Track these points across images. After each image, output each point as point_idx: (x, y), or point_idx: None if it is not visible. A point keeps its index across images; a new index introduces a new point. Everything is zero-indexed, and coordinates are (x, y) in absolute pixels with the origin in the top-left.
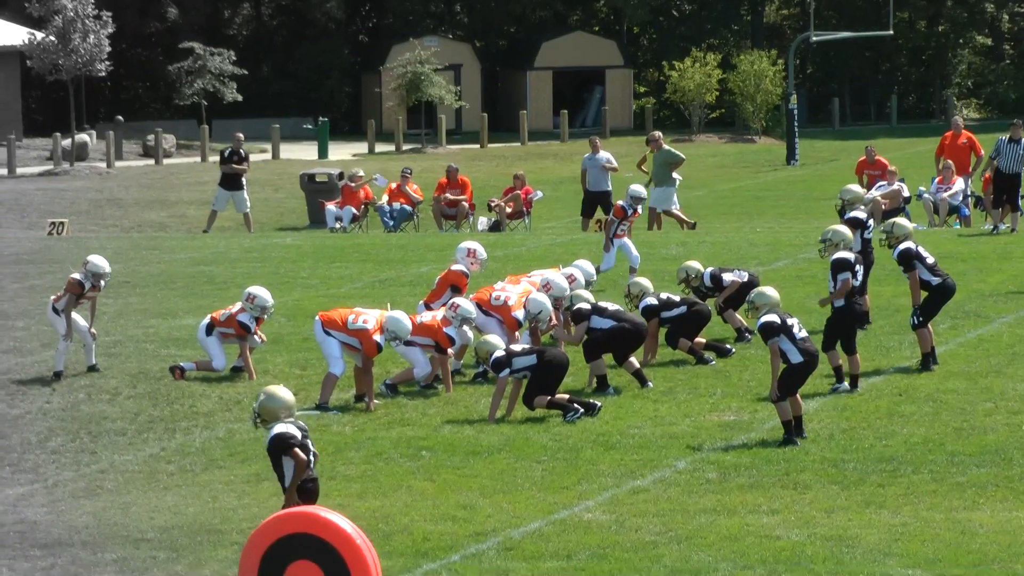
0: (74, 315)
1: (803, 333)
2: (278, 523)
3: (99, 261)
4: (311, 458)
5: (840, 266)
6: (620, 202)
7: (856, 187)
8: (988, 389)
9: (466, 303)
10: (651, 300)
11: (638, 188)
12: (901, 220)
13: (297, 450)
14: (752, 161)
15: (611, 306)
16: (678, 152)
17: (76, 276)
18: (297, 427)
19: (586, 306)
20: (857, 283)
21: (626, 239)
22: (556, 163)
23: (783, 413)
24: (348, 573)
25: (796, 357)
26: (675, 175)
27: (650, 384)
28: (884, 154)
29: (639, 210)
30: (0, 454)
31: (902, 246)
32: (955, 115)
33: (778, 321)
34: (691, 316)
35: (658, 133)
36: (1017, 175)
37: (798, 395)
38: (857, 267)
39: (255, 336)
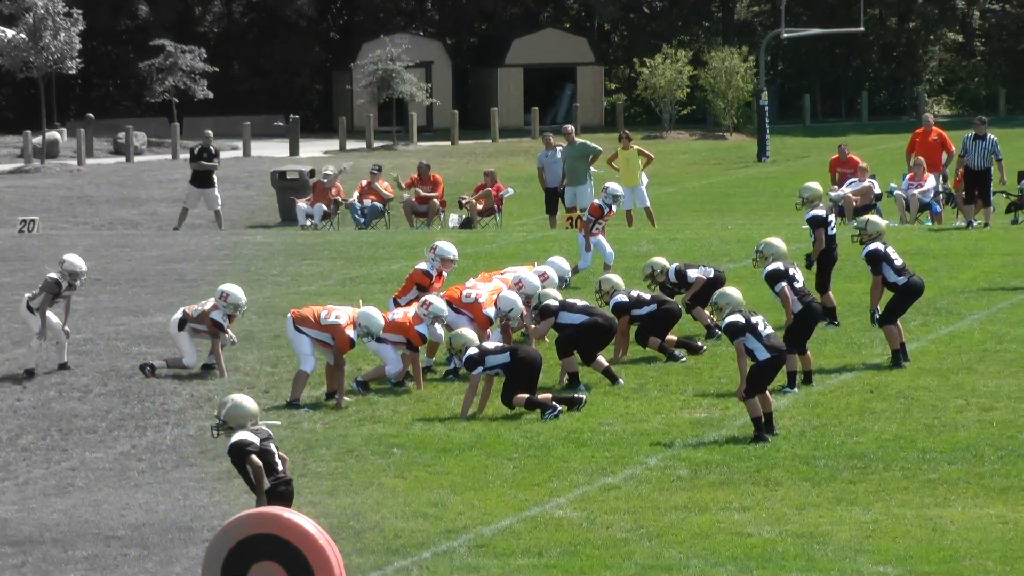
0: (48, 313)
1: (769, 330)
2: (241, 524)
3: (76, 260)
4: (276, 461)
5: (774, 278)
6: (596, 200)
7: (815, 185)
8: (959, 386)
9: (438, 301)
10: (622, 297)
11: (615, 186)
12: (875, 217)
13: (254, 456)
14: (723, 158)
15: (580, 302)
16: (594, 144)
17: (53, 275)
18: (258, 434)
19: (553, 303)
20: (799, 284)
21: (601, 236)
22: (527, 160)
23: (752, 410)
24: (312, 574)
25: (763, 354)
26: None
27: (621, 381)
28: (855, 151)
29: (614, 208)
30: None
31: (871, 246)
32: (926, 112)
33: (743, 320)
34: (661, 314)
35: (569, 127)
36: (987, 170)
37: (767, 392)
38: (792, 271)
39: (227, 335)
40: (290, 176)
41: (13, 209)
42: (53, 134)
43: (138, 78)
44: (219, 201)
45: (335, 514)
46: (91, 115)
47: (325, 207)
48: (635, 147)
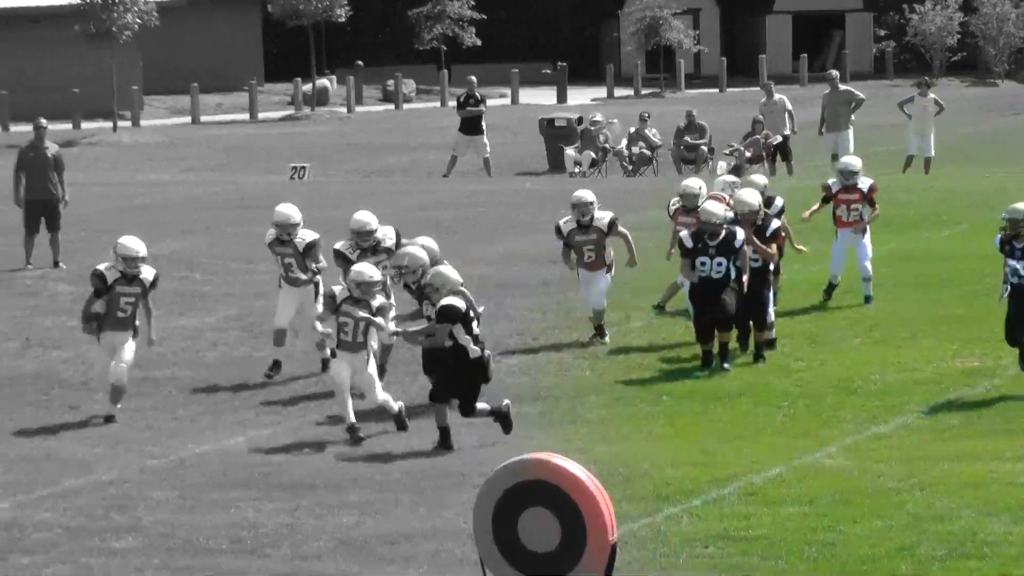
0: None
1: (477, 331)
2: (512, 471)
3: (129, 242)
4: None
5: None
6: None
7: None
8: None
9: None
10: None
11: None
12: None
13: None
14: (995, 105)
15: None
16: (859, 93)
17: (99, 267)
18: None
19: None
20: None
21: None
22: (795, 108)
23: (441, 419)
24: (582, 520)
25: (475, 352)
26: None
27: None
28: None
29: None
30: (246, 396)
31: None
32: None
33: (462, 309)
34: None
35: (834, 72)
36: None
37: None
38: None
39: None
40: (558, 124)
41: (284, 156)
42: (323, 82)
43: (406, 26)
44: (488, 148)
45: (604, 461)
46: (360, 63)
47: (593, 154)
48: (932, 96)
